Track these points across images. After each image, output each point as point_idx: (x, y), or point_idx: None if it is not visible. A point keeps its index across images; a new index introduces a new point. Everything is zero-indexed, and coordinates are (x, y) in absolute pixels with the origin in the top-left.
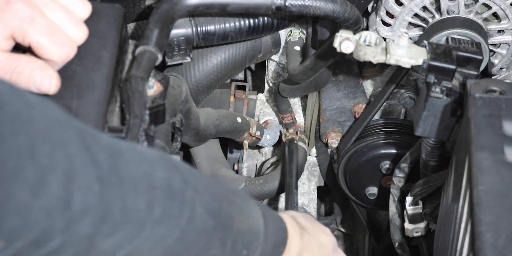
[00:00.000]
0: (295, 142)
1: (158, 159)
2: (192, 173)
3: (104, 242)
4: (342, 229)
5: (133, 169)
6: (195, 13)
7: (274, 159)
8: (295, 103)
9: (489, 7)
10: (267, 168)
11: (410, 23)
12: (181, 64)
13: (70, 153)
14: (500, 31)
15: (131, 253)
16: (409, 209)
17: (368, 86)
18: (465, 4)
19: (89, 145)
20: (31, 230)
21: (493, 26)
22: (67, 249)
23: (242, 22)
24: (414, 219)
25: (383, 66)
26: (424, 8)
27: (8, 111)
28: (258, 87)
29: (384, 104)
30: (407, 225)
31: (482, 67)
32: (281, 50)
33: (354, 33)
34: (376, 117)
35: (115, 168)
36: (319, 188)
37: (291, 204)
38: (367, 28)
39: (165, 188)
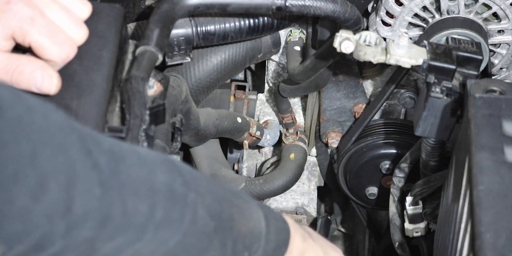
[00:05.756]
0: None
1: (159, 162)
2: (193, 175)
3: (105, 246)
4: (342, 229)
5: (134, 173)
6: (195, 13)
7: (274, 159)
8: (295, 103)
9: (489, 7)
10: (267, 168)
11: (410, 23)
12: (181, 64)
13: (71, 158)
14: (500, 31)
15: None
16: (409, 209)
17: (368, 86)
18: (465, 4)
19: (90, 149)
20: (31, 235)
21: (493, 26)
22: (68, 253)
23: (242, 22)
24: (414, 219)
25: (383, 66)
26: (424, 8)
27: (10, 117)
28: (258, 87)
29: (384, 104)
30: (407, 225)
31: (482, 67)
32: (281, 50)
33: (354, 33)
34: (376, 117)
35: (116, 172)
36: (319, 188)
37: None
38: (367, 28)
39: (167, 192)
